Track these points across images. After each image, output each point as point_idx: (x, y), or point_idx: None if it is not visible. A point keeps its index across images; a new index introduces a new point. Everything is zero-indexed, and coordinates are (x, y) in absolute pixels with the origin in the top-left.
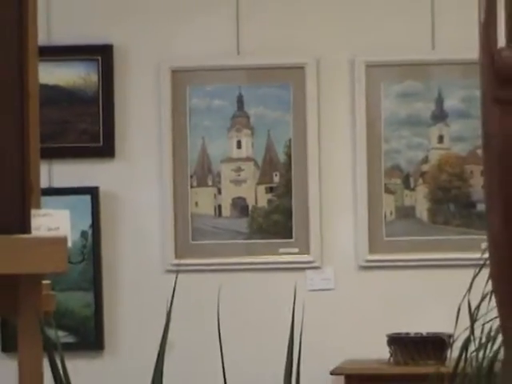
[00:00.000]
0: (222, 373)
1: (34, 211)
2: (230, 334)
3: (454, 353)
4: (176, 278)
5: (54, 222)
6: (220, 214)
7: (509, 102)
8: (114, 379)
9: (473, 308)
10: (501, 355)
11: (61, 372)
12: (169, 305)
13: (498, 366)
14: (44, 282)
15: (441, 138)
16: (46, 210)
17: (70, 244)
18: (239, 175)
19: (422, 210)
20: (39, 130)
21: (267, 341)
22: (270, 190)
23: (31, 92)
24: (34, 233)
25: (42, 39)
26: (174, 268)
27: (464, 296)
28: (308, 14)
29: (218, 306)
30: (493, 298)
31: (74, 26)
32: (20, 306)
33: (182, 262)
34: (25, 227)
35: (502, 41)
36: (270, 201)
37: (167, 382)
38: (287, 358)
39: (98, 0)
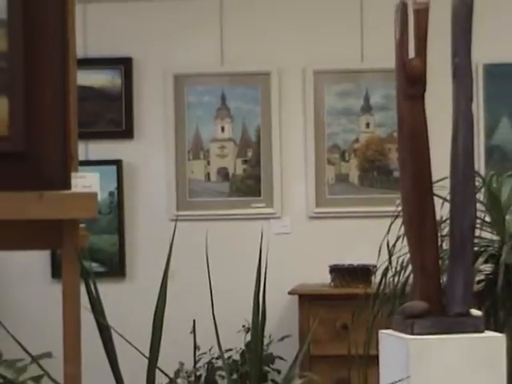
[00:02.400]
0: (209, 292)
1: (73, 174)
2: (215, 264)
3: (376, 278)
4: (175, 225)
5: (87, 182)
6: (209, 179)
7: (416, 97)
8: (133, 299)
9: (390, 246)
10: (410, 280)
11: (93, 292)
12: (170, 243)
13: (408, 288)
14: (80, 225)
15: (368, 125)
16: (81, 173)
17: (99, 199)
18: (223, 151)
19: (354, 176)
20: (78, 118)
21: (242, 270)
22: (245, 162)
23: (71, 89)
24: (73, 189)
25: (80, 53)
26: (176, 218)
27: (384, 237)
28: (272, 36)
29: (206, 245)
30: (404, 238)
31: (104, 43)
32: (64, 242)
33: (181, 213)
34: (67, 185)
35: (411, 53)
36: (244, 170)
37: (169, 300)
38: (256, 281)
39: (121, 25)
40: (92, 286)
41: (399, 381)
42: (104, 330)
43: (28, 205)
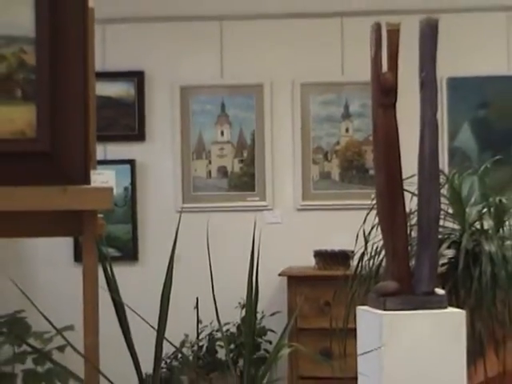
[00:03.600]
0: (210, 273)
1: (92, 171)
2: (215, 250)
3: (354, 262)
4: (180, 215)
5: (104, 178)
6: (210, 176)
7: (388, 106)
8: (144, 279)
9: (366, 234)
10: (383, 263)
11: (109, 274)
12: (176, 231)
13: (381, 270)
14: (98, 215)
15: (347, 130)
16: (100, 171)
17: (115, 193)
18: (222, 152)
19: (335, 173)
20: (97, 123)
21: (238, 254)
22: (241, 161)
23: (90, 97)
24: (92, 184)
25: (99, 67)
26: (181, 209)
27: (360, 227)
28: (265, 53)
29: (208, 233)
30: (378, 227)
31: (120, 59)
32: (84, 230)
33: (186, 205)
34: (86, 180)
35: (384, 67)
36: (241, 168)
37: (175, 280)
38: (250, 264)
39: (135, 43)
40: (108, 269)
41: (373, 350)
42: (119, 306)
43: (53, 197)
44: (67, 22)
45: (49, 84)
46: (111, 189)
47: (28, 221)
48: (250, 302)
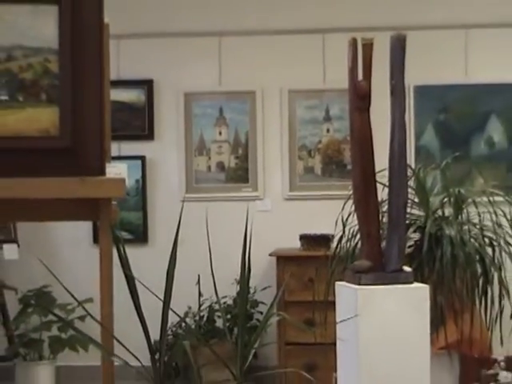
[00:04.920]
0: (209, 254)
1: (107, 164)
2: (214, 233)
3: (334, 244)
4: (182, 204)
5: (118, 170)
6: (210, 170)
7: (363, 110)
8: (152, 259)
9: (344, 220)
10: (358, 245)
11: (123, 254)
12: (179, 217)
13: (357, 251)
14: (113, 203)
15: (328, 130)
16: (114, 164)
17: (127, 184)
18: (220, 149)
19: (318, 168)
20: (112, 124)
21: (234, 237)
22: (237, 157)
23: (105, 101)
24: (107, 176)
25: (113, 75)
26: (184, 199)
27: (339, 213)
28: (258, 64)
29: (207, 219)
30: (354, 214)
31: (132, 69)
32: (100, 215)
33: (189, 195)
34: (102, 172)
35: (360, 76)
36: (236, 163)
37: (180, 260)
38: (243, 246)
39: (145, 55)
40: (122, 249)
41: (350, 318)
42: (130, 282)
43: (73, 187)
44: (86, 36)
45: (70, 89)
46: (124, 179)
47: (52, 207)
48: (244, 279)
